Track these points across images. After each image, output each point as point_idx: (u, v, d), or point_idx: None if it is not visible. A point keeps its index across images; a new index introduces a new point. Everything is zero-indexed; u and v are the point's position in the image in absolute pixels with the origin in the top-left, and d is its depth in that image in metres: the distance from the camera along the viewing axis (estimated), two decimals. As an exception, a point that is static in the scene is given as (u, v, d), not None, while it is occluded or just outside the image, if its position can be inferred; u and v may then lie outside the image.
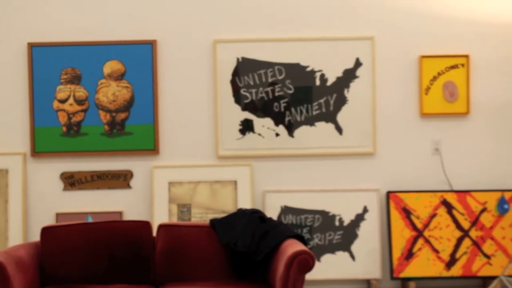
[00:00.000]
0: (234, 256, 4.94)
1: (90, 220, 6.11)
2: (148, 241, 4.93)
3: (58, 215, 6.23)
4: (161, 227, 4.99)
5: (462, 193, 6.49)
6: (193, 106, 6.45)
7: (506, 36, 6.56)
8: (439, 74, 6.53)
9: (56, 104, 6.29)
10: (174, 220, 6.27)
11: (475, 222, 6.47)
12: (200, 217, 6.31)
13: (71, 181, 6.31)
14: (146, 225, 4.96)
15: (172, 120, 6.41)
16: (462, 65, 6.53)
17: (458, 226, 6.44)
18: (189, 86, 6.44)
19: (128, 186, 6.37)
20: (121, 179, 6.35)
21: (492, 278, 6.26)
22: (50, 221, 6.25)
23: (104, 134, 6.32)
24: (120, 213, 6.30)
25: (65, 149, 6.30)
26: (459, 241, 6.42)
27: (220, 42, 6.39)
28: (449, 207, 6.47)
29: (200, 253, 4.95)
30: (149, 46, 6.32)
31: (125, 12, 6.39)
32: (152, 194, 6.32)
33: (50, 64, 6.29)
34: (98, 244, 4.87)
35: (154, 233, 5.07)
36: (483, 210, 6.47)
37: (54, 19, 6.36)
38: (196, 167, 6.39)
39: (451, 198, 6.49)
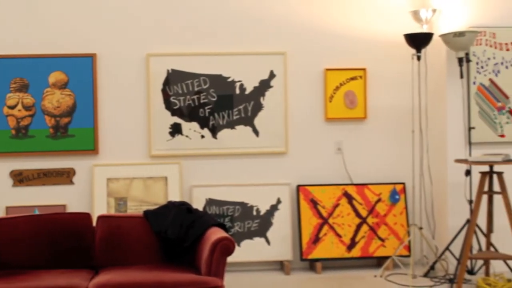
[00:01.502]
0: (165, 243, 5.05)
1: (36, 212, 6.10)
2: (89, 230, 5.03)
3: (8, 209, 6.28)
4: (100, 218, 5.11)
5: (360, 186, 6.78)
6: (128, 112, 6.55)
7: (397, 53, 6.78)
8: (341, 84, 6.78)
9: (6, 110, 6.37)
10: (112, 212, 6.34)
11: (371, 211, 6.76)
12: (135, 209, 6.40)
13: (20, 178, 6.38)
14: (86, 216, 5.08)
15: (110, 124, 6.51)
16: (360, 76, 6.80)
17: (357, 214, 6.73)
18: (125, 94, 6.53)
19: (71, 182, 6.45)
20: (65, 176, 6.42)
21: (386, 258, 6.56)
22: (1, 214, 6.28)
23: (49, 136, 6.40)
24: (64, 206, 6.36)
25: (14, 149, 6.38)
26: (358, 227, 6.70)
27: (152, 55, 6.51)
28: (349, 198, 6.74)
29: (135, 240, 5.05)
30: (90, 59, 6.42)
31: (68, 28, 6.45)
32: (92, 189, 6.41)
33: (1, 74, 6.36)
34: (43, 233, 4.93)
35: (94, 224, 5.12)
36: (378, 200, 6.78)
37: (5, 34, 6.40)
38: (131, 165, 6.51)
39: (351, 190, 6.76)
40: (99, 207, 6.36)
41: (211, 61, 6.63)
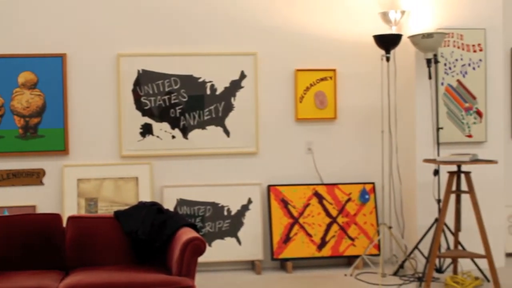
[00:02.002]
0: (136, 243, 5.03)
1: (6, 213, 6.05)
2: (59, 231, 4.99)
3: (-23, 210, 6.25)
4: (70, 219, 5.06)
5: (330, 186, 6.80)
6: (99, 112, 6.50)
7: (366, 54, 6.81)
8: (311, 85, 6.81)
9: (-26, 110, 6.37)
10: (82, 212, 6.29)
11: (341, 210, 6.78)
12: (106, 209, 6.35)
13: (-11, 179, 6.40)
14: (57, 217, 5.04)
15: (80, 124, 6.46)
16: (330, 77, 6.82)
17: (328, 213, 6.74)
18: (95, 95, 6.49)
19: (41, 183, 6.40)
20: (35, 177, 6.36)
21: (356, 257, 6.57)
22: (-30, 215, 6.21)
23: (19, 137, 6.34)
24: (34, 207, 6.29)
25: (-17, 150, 6.36)
26: (329, 227, 6.72)
27: (123, 56, 6.47)
28: (320, 197, 6.75)
29: (105, 241, 5.02)
30: (60, 59, 6.37)
31: (38, 28, 6.40)
32: (63, 190, 6.36)
33: (-31, 74, 6.30)
34: (13, 234, 4.88)
35: (64, 225, 5.08)
36: (348, 200, 6.80)
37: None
38: (102, 166, 6.46)
39: (322, 190, 6.78)
40: (70, 208, 6.33)
41: (182, 62, 6.62)
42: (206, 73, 6.67)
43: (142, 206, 5.27)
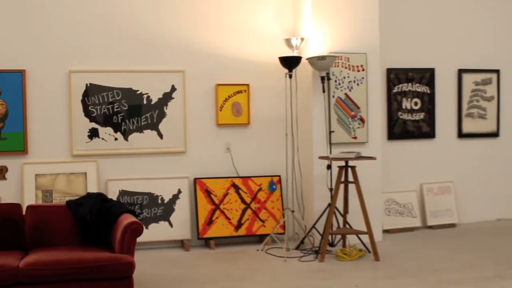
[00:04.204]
0: (85, 227, 4.98)
1: None
2: (20, 218, 4.91)
3: (-51, 201, 6.06)
4: (29, 207, 5.01)
5: (245, 178, 6.92)
6: (53, 118, 6.43)
7: (274, 72, 6.94)
8: (229, 96, 6.92)
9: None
10: (40, 202, 6.24)
11: (254, 198, 6.91)
12: (59, 199, 6.30)
13: (-41, 174, 6.19)
14: (17, 206, 4.97)
15: (37, 128, 6.38)
16: (245, 90, 6.95)
17: (243, 201, 6.88)
18: (50, 104, 6.42)
19: (4, 178, 6.31)
20: None
21: (266, 235, 6.71)
22: None
23: None
24: None
25: (-45, 150, 6.17)
26: (244, 211, 6.85)
27: (73, 72, 6.43)
28: (236, 188, 6.87)
29: (59, 226, 4.95)
30: (20, 74, 6.29)
31: (2, 47, 6.31)
32: (23, 184, 6.30)
33: None
34: None
35: (24, 212, 4.98)
36: (259, 189, 6.94)
37: None
38: (56, 163, 6.40)
39: (238, 182, 6.89)
40: (29, 198, 6.26)
41: (123, 77, 6.59)
42: (143, 86, 6.67)
43: (90, 196, 5.21)
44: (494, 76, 8.27)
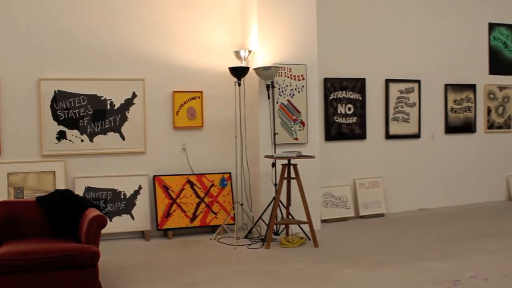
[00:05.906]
0: (54, 221, 4.89)
1: None
2: None
3: None
4: (2, 203, 4.91)
5: (199, 175, 6.88)
6: (24, 122, 6.31)
7: (224, 80, 6.90)
8: (184, 102, 6.88)
9: None
10: (12, 198, 6.12)
11: (207, 193, 6.88)
12: (30, 196, 6.18)
13: None
14: None
15: (10, 131, 6.25)
16: (199, 97, 6.90)
17: (197, 195, 6.84)
18: (22, 109, 6.30)
19: None
20: None
21: (218, 226, 6.72)
22: None
23: None
24: None
25: None
26: (198, 205, 6.82)
27: (43, 79, 6.32)
28: (191, 184, 6.83)
29: (30, 219, 4.87)
30: None
31: None
32: None
33: None
34: None
35: None
36: (212, 185, 6.91)
37: None
38: (27, 163, 6.27)
39: (193, 178, 6.86)
40: (1, 195, 6.11)
41: (88, 84, 6.50)
42: (107, 93, 6.59)
43: (58, 193, 5.12)
44: (416, 85, 8.44)
